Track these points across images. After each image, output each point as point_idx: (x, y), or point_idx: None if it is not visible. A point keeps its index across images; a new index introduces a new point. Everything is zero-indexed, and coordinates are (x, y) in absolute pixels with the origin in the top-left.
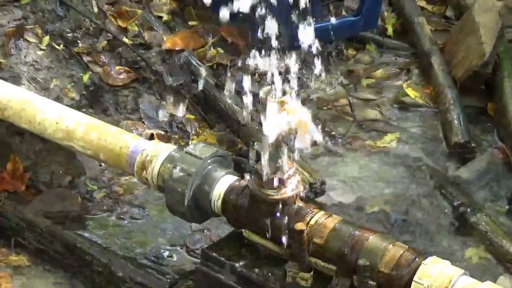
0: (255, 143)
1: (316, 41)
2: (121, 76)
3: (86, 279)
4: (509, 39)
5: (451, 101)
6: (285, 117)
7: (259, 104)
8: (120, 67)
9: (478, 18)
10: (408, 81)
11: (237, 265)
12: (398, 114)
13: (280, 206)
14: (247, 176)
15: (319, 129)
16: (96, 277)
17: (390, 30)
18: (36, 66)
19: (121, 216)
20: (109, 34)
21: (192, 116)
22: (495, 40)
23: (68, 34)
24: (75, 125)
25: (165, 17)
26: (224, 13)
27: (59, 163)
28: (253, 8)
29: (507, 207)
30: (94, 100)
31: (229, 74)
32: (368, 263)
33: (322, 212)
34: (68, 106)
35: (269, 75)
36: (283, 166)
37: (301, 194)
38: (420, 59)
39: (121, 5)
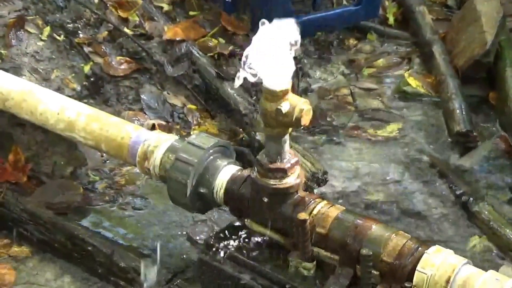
0: (257, 133)
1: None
2: (122, 67)
3: (88, 269)
4: (511, 28)
5: (453, 90)
6: None
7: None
8: (121, 57)
9: (480, 7)
10: (410, 70)
11: (239, 255)
12: (400, 103)
13: (283, 195)
14: None
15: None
16: (98, 268)
17: (391, 19)
18: (37, 57)
19: (123, 207)
20: (109, 25)
21: (193, 106)
22: (497, 29)
23: (69, 25)
24: (76, 116)
25: (166, 7)
26: None
27: (61, 154)
28: None
29: (509, 196)
30: (95, 90)
31: (230, 64)
32: (371, 253)
33: (325, 202)
34: (69, 96)
35: None
36: (286, 156)
37: (303, 184)
38: (422, 48)
39: None
